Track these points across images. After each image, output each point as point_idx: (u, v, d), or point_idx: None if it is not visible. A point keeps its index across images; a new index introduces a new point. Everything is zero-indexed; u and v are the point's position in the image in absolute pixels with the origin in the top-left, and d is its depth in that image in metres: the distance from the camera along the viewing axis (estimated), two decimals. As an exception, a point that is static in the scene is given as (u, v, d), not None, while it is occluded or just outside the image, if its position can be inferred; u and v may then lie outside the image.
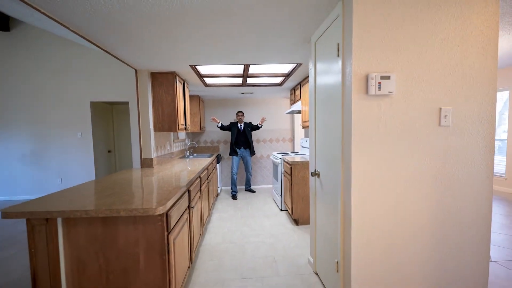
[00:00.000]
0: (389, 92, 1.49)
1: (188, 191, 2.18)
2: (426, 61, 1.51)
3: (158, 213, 1.39)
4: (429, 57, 1.51)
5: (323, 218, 2.01)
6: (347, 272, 1.58)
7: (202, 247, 2.81)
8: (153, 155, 3.14)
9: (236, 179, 5.23)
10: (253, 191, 5.43)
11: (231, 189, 5.15)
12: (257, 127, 5.11)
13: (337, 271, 1.68)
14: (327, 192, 1.91)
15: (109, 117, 6.17)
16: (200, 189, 2.82)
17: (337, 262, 1.68)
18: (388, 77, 1.49)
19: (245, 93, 5.12)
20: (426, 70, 1.51)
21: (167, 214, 1.52)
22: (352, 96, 1.49)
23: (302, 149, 4.74)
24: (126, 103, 5.90)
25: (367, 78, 1.49)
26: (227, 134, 5.85)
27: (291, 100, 4.85)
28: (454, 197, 1.56)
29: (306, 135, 4.82)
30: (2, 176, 5.21)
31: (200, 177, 2.83)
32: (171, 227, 1.58)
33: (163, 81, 3.19)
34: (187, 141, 5.27)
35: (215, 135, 5.88)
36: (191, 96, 5.06)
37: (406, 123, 1.52)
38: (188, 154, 4.65)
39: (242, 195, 5.21)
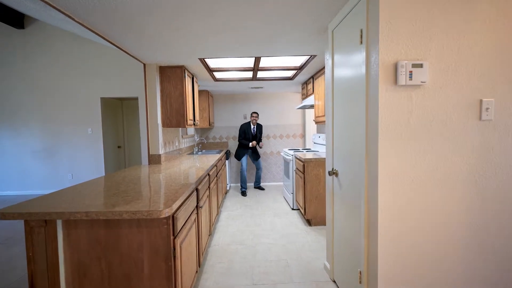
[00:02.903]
0: (422, 82, 1.31)
1: (197, 189, 2.06)
2: (464, 47, 1.32)
3: (163, 216, 1.27)
4: (467, 42, 1.32)
5: (342, 221, 1.86)
6: (372, 285, 1.43)
7: (211, 247, 2.71)
8: (161, 151, 3.04)
9: (246, 175, 5.11)
10: (263, 189, 5.31)
11: (241, 185, 5.05)
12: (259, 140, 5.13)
13: (360, 282, 1.52)
14: (347, 193, 1.75)
15: (119, 113, 6.15)
16: (209, 187, 2.70)
17: (360, 272, 1.52)
18: (420, 65, 1.31)
19: (254, 87, 4.97)
20: (464, 57, 1.33)
21: (173, 217, 1.40)
22: (379, 87, 1.32)
23: (315, 145, 4.56)
24: (136, 99, 5.86)
25: (396, 67, 1.32)
26: (236, 130, 5.70)
27: (302, 94, 4.66)
28: (496, 201, 1.37)
29: (319, 131, 4.64)
30: (15, 171, 5.27)
31: (209, 174, 2.72)
32: (178, 231, 1.46)
33: (171, 75, 3.07)
34: (195, 137, 5.18)
35: (224, 131, 5.76)
36: (200, 91, 4.94)
37: (441, 117, 1.33)
38: (196, 150, 4.55)
39: (251, 192, 5.09)
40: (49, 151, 5.22)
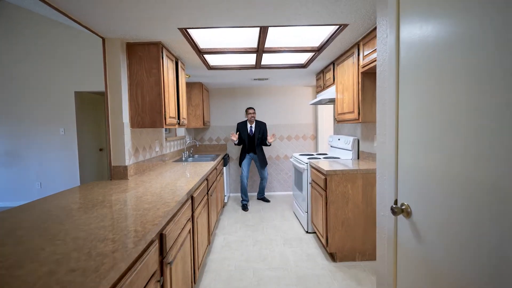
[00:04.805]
0: None
1: (161, 236, 1.21)
2: None
3: None
4: None
5: (423, 305, 0.99)
6: None
7: (195, 304, 1.86)
8: (129, 161, 2.19)
9: (247, 184, 4.26)
10: (268, 201, 4.44)
11: (241, 197, 4.19)
12: (265, 143, 4.19)
13: None
14: (440, 255, 0.89)
15: (100, 110, 5.31)
16: (192, 216, 1.85)
17: None
18: None
19: (258, 79, 4.11)
20: None
21: None
22: None
23: (332, 149, 3.70)
24: (119, 94, 5.02)
25: None
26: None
27: (318, 87, 3.79)
28: None
29: (337, 132, 3.77)
30: (-26, 179, 4.45)
31: (192, 197, 1.86)
32: None
33: (144, 55, 2.22)
34: (187, 139, 4.33)
35: (222, 131, 4.91)
36: (192, 84, 4.09)
37: None
38: (186, 155, 3.70)
39: (254, 205, 4.23)
40: (11, 155, 4.39)
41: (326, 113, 4.78)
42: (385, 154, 1.29)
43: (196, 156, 3.96)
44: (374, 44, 2.04)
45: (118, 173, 2.13)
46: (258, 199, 4.57)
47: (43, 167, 4.42)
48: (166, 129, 3.82)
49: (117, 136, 2.12)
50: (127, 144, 2.16)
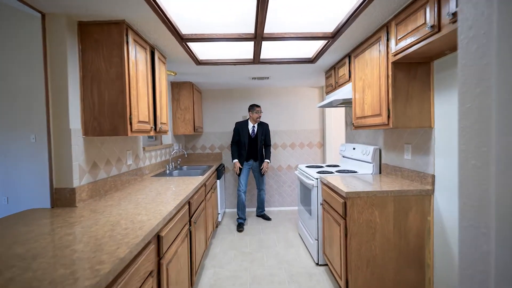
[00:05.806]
0: None
1: None
2: None
3: None
4: None
5: None
6: None
7: None
8: (79, 181, 1.61)
9: (245, 199, 3.67)
10: (269, 218, 3.84)
11: (237, 214, 3.60)
12: (267, 151, 3.70)
13: None
14: None
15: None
16: (158, 265, 1.27)
17: None
18: None
19: (257, 78, 3.56)
20: None
21: None
22: None
23: (344, 160, 3.12)
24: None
25: None
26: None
27: (328, 86, 3.23)
28: None
29: (350, 140, 3.19)
30: None
31: (159, 237, 1.28)
32: None
33: (101, 38, 1.66)
34: (175, 147, 3.76)
35: (216, 138, 4.34)
36: (181, 84, 3.54)
37: None
38: (171, 168, 3.12)
39: (253, 224, 3.63)
40: (-28, 167, 3.82)
41: (335, 118, 4.21)
42: (483, 187, 0.71)
43: (184, 168, 3.38)
44: (415, 21, 1.48)
45: (63, 199, 1.55)
46: (257, 216, 3.97)
47: (10, 179, 3.84)
48: (152, 136, 3.26)
49: (61, 148, 1.55)
50: (76, 158, 1.59)
